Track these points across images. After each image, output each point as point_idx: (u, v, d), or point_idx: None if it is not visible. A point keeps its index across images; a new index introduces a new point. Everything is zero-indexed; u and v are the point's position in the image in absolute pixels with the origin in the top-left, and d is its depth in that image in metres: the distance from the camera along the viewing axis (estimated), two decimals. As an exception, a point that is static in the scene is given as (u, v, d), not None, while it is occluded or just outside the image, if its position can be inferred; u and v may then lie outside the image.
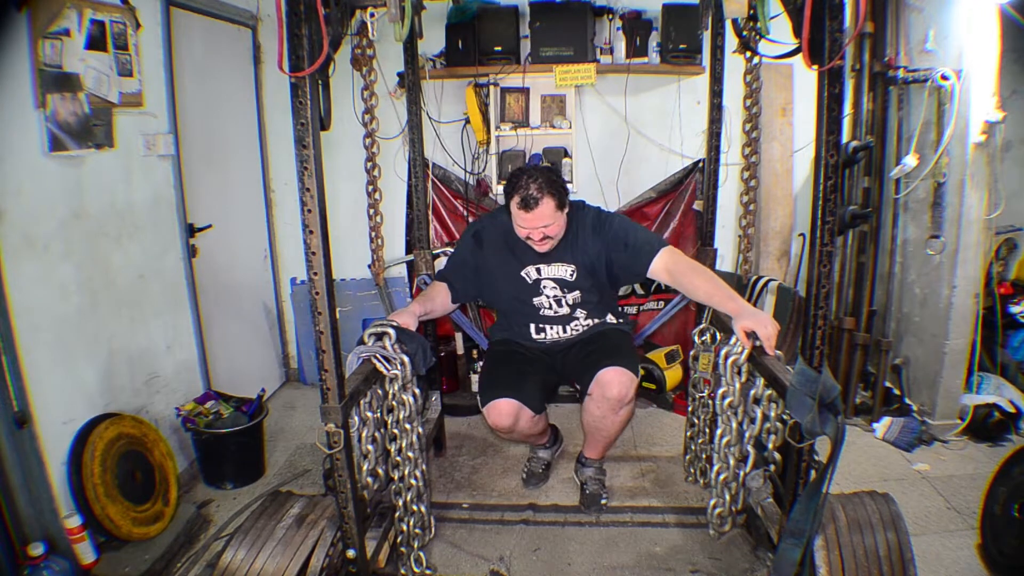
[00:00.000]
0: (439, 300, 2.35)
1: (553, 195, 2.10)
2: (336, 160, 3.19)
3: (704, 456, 2.47)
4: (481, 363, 2.74)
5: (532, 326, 2.38)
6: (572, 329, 2.37)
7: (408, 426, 1.98)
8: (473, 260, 2.38)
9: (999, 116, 2.62)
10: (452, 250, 2.55)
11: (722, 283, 2.07)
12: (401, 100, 3.19)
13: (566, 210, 2.19)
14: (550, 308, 2.34)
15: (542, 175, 2.11)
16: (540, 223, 2.12)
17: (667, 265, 2.17)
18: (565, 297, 2.32)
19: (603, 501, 2.45)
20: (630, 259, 2.24)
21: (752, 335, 1.84)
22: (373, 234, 2.69)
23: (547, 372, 2.42)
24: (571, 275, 2.29)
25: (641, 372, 3.28)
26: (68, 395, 2.12)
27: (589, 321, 2.37)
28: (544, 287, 2.31)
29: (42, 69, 1.97)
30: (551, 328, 2.37)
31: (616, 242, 2.25)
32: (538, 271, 2.30)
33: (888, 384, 3.10)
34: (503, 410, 2.22)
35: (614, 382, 2.17)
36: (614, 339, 2.35)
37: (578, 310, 2.35)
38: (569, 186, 3.14)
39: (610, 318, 2.43)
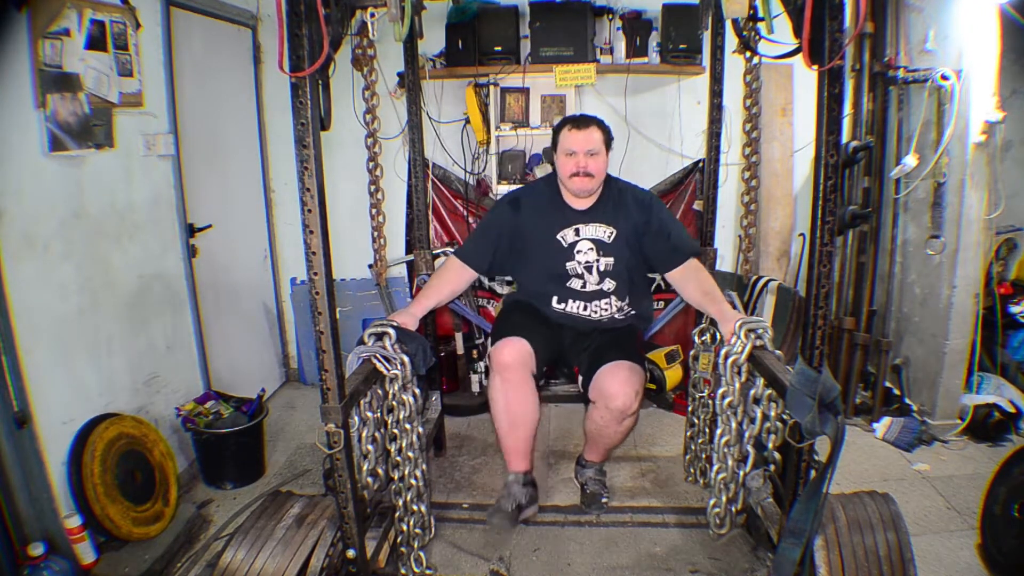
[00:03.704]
0: (451, 282, 2.33)
1: (602, 128, 2.24)
2: (336, 160, 3.19)
3: (704, 456, 2.47)
4: (496, 318, 2.63)
5: (555, 297, 2.34)
6: (592, 310, 2.32)
7: (408, 426, 1.98)
8: (509, 226, 2.34)
9: (999, 116, 2.62)
10: (474, 231, 2.52)
11: (713, 289, 2.19)
12: (401, 100, 3.18)
13: (609, 152, 2.28)
14: (580, 277, 2.30)
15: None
16: (589, 145, 2.19)
17: (684, 272, 2.28)
18: (598, 262, 2.28)
19: (604, 500, 2.45)
20: (664, 252, 2.29)
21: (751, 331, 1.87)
22: (376, 234, 2.69)
23: (554, 341, 2.36)
24: (609, 237, 2.28)
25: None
26: (68, 395, 2.12)
27: (612, 299, 2.31)
28: (579, 251, 2.28)
29: (42, 69, 1.97)
30: (573, 302, 2.33)
31: (661, 228, 2.29)
32: (576, 232, 2.28)
33: (888, 384, 3.10)
34: (514, 345, 2.17)
35: (619, 394, 2.14)
36: (625, 342, 2.32)
37: (607, 281, 2.29)
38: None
39: (630, 310, 2.37)
